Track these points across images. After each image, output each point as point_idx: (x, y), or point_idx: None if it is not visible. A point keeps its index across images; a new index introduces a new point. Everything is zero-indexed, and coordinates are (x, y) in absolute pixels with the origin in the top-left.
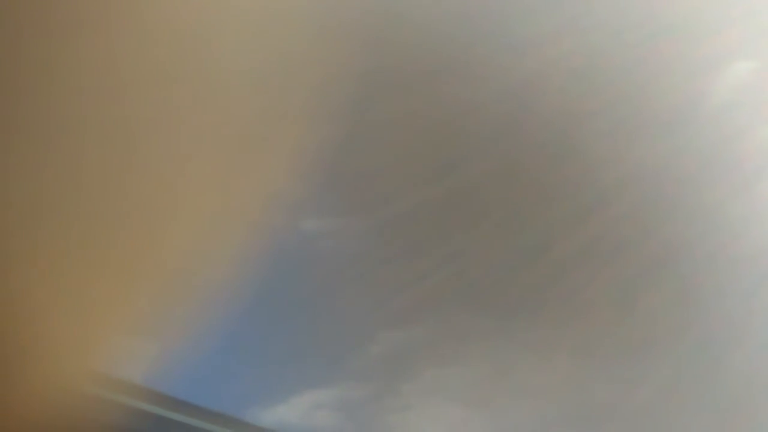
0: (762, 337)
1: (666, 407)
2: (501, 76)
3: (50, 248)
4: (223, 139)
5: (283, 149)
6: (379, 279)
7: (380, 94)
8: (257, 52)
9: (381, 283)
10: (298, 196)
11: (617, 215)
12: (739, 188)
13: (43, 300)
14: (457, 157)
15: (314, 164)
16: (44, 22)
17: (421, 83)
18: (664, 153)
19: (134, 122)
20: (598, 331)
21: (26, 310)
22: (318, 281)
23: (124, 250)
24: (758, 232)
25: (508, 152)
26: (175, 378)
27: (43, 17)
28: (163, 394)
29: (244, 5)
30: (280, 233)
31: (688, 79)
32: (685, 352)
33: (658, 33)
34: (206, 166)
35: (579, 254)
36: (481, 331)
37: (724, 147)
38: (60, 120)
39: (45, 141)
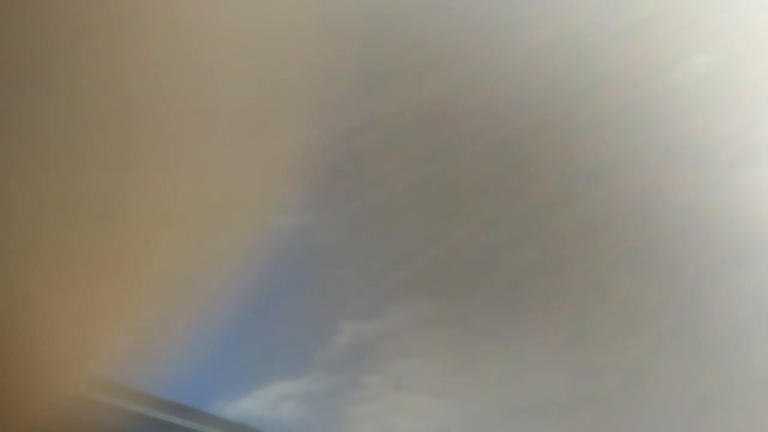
0: (733, 327)
1: (633, 396)
2: (481, 70)
3: (51, 254)
4: (219, 144)
5: (275, 150)
6: (343, 271)
7: (358, 89)
8: (252, 58)
9: (345, 276)
10: (279, 193)
11: (586, 208)
12: (711, 179)
13: (44, 305)
14: (425, 153)
15: (300, 161)
16: (45, 25)
17: (400, 77)
18: (637, 143)
19: (134, 128)
20: (565, 321)
21: (26, 315)
22: (282, 274)
23: (119, 258)
24: (728, 222)
25: (480, 151)
26: (153, 375)
27: (45, 20)
28: (134, 389)
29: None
30: (253, 229)
31: (654, 73)
32: (653, 340)
33: (626, 28)
34: (202, 169)
35: (547, 246)
36: (446, 321)
37: (692, 139)
38: (60, 130)
39: (44, 148)
